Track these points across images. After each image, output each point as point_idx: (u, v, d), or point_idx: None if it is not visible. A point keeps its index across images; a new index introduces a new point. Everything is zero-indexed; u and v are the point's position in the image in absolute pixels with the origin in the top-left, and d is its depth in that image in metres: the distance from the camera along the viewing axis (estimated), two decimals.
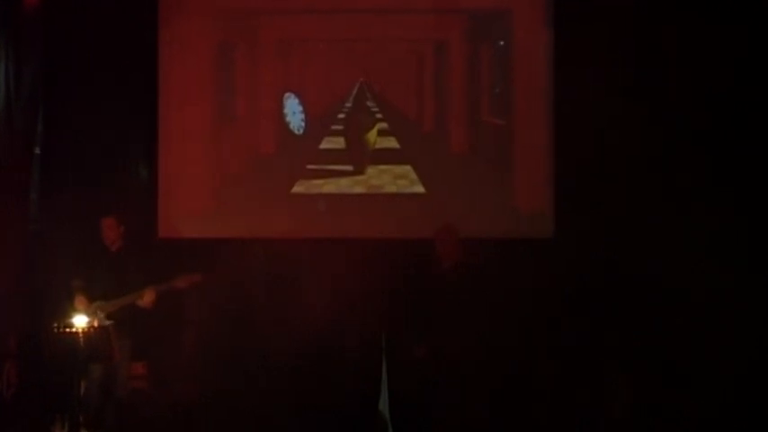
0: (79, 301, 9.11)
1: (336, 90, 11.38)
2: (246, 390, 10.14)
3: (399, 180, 11.22)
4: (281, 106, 11.25)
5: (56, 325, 8.67)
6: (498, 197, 11.03)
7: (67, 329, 8.53)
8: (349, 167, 11.35)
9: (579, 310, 10.04)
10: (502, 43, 11.16)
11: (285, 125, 11.29)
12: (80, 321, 8.57)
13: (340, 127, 11.40)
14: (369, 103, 11.35)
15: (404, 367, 8.92)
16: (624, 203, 10.11)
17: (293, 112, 11.28)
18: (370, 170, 11.32)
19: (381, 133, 11.36)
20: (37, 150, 10.54)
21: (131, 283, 9.16)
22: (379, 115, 11.36)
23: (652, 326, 9.83)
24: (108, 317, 8.96)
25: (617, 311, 9.97)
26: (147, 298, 9.08)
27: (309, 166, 11.30)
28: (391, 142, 11.39)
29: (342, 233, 10.91)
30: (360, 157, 11.35)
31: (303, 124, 11.30)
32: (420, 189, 11.17)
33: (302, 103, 11.30)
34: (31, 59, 10.36)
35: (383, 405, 8.40)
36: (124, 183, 10.72)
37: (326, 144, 11.35)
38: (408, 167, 11.29)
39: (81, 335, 8.50)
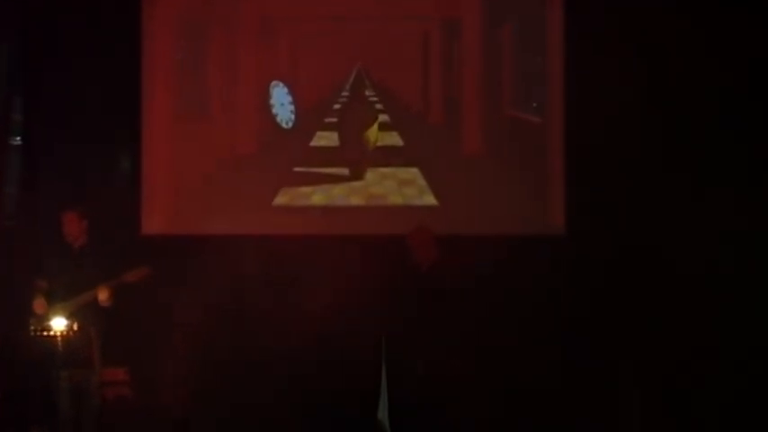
0: (38, 304, 8.67)
1: (330, 78, 10.39)
2: (239, 396, 9.80)
3: (405, 188, 10.21)
4: (266, 96, 10.40)
5: (32, 328, 8.56)
6: (511, 195, 10.15)
7: (45, 333, 8.48)
8: (344, 171, 10.33)
9: (592, 308, 9.78)
10: (526, 21, 10.13)
11: (271, 118, 10.40)
12: (59, 324, 8.47)
13: (334, 119, 10.41)
14: (368, 92, 10.36)
15: (404, 374, 8.50)
16: (638, 199, 9.86)
17: (281, 102, 10.38)
18: (370, 174, 10.27)
19: (383, 127, 10.30)
20: (15, 141, 10.23)
21: (95, 282, 8.71)
22: (379, 105, 10.35)
23: (669, 324, 9.60)
24: (68, 318, 8.59)
25: (632, 310, 9.73)
26: (101, 296, 8.64)
27: (297, 169, 10.32)
28: (394, 138, 10.31)
29: (339, 231, 10.14)
30: (358, 157, 10.31)
31: (293, 117, 10.39)
32: (431, 200, 10.16)
33: (291, 92, 10.39)
34: (6, 43, 10.13)
35: (382, 414, 8.15)
36: (106, 176, 10.31)
37: (318, 140, 10.38)
38: (415, 171, 10.23)
39: (60, 338, 8.47)
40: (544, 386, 9.55)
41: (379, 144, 10.38)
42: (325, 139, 10.42)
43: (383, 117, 10.38)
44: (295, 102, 10.42)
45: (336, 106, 10.44)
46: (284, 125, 10.43)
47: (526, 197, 10.15)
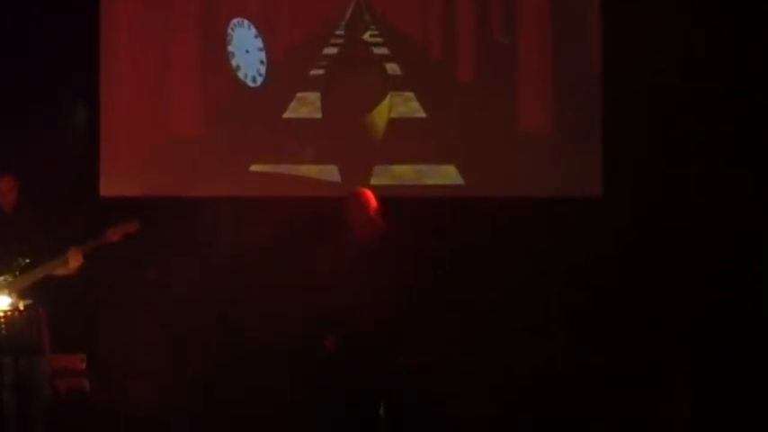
0: None
1: (318, 14, 8.28)
2: (220, 389, 9.00)
3: None
4: (223, 42, 8.36)
5: None
6: (546, 155, 8.40)
7: None
8: (333, 170, 8.19)
9: (631, 277, 9.06)
10: None
11: (230, 73, 8.36)
12: (1, 303, 7.86)
13: (321, 71, 8.25)
14: (370, 34, 8.19)
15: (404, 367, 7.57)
16: (678, 159, 9.17)
17: (245, 49, 8.37)
18: (378, 179, 8.15)
19: (393, 85, 8.07)
20: None
21: (39, 250, 7.98)
22: (384, 50, 8.17)
23: (713, 299, 8.91)
24: (21, 295, 7.89)
25: (673, 281, 9.06)
26: (72, 261, 7.91)
27: (254, 168, 8.32)
28: (411, 106, 8.09)
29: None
30: (357, 152, 8.32)
31: (262, 69, 8.37)
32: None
33: (260, 34, 8.35)
34: None
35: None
36: (59, 132, 9.34)
37: (298, 109, 8.25)
38: (452, 169, 8.07)
39: (3, 320, 7.90)
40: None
41: (392, 116, 8.31)
42: (309, 105, 8.37)
43: (392, 67, 8.24)
44: (266, 47, 8.44)
45: (328, 51, 8.39)
46: (249, 82, 8.48)
47: (563, 157, 8.59)
